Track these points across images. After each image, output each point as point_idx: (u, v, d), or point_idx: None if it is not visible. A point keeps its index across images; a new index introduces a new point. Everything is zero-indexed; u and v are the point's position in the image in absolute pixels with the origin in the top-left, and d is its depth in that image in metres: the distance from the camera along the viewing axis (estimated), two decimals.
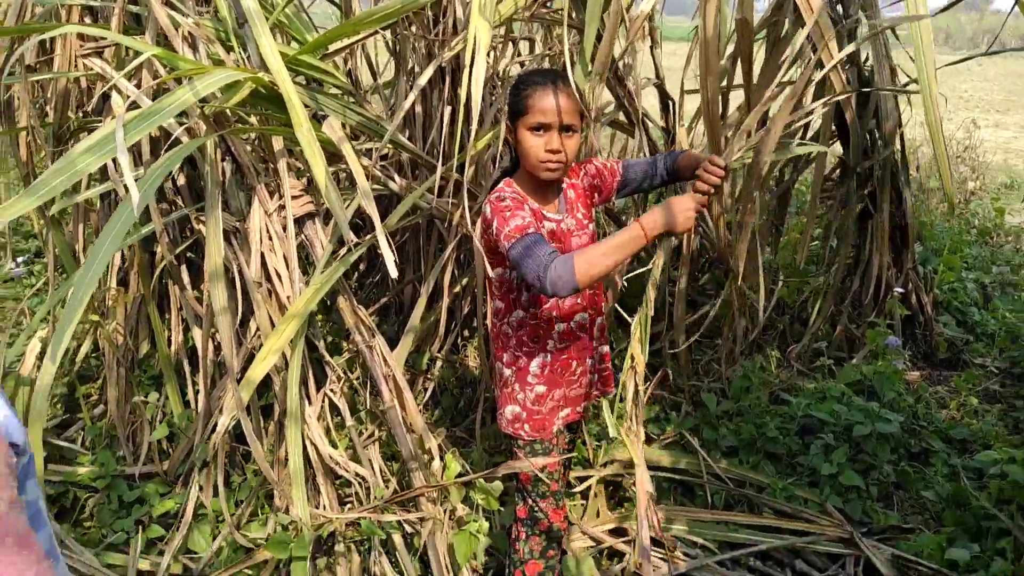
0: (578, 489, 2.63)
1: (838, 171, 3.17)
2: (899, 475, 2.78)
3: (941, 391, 3.47)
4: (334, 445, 2.27)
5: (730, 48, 2.79)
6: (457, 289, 3.11)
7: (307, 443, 2.19)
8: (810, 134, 3.02)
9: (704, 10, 1.58)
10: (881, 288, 3.25)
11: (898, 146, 3.18)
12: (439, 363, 3.10)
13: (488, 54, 2.84)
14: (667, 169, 1.95)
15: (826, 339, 3.48)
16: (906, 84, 3.15)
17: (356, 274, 3.76)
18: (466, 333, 3.29)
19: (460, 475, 2.10)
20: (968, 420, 3.19)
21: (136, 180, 1.87)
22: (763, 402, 2.99)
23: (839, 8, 2.66)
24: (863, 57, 2.92)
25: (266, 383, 2.40)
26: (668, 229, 1.63)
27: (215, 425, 2.35)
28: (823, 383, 3.16)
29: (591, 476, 2.65)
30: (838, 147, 3.13)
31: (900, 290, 3.26)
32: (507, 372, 1.96)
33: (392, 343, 2.97)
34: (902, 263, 3.35)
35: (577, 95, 1.75)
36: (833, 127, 2.83)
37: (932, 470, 2.83)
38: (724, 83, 3.20)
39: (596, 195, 1.99)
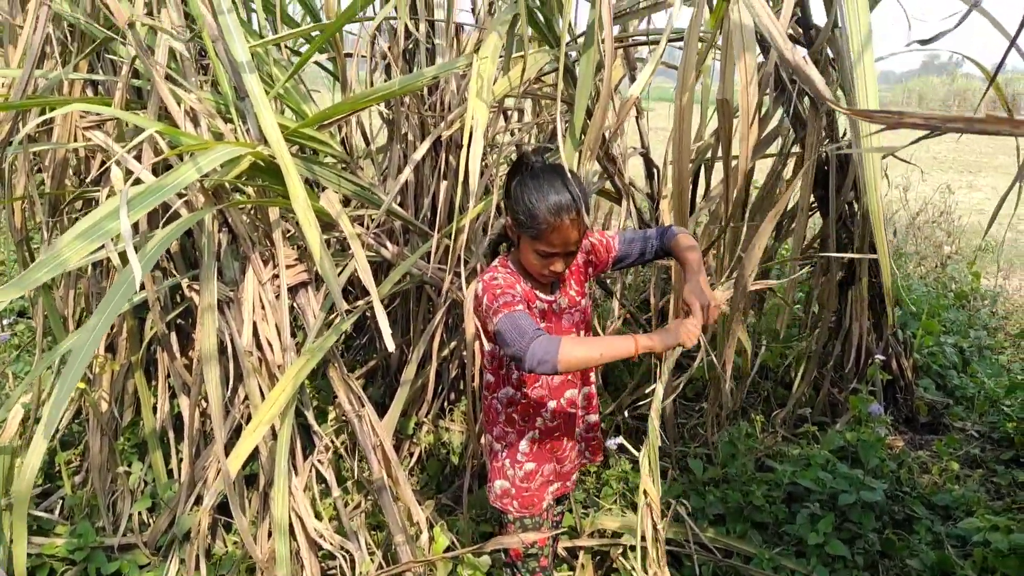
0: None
1: (818, 240, 3.26)
2: (884, 544, 2.79)
3: (923, 456, 3.50)
4: (319, 516, 2.25)
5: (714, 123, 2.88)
6: (445, 353, 3.13)
7: (292, 515, 2.17)
8: (790, 205, 3.12)
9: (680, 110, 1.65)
10: (862, 353, 3.31)
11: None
12: (425, 428, 3.10)
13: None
14: (662, 247, 1.93)
15: (810, 403, 3.51)
16: (883, 156, 3.27)
17: (343, 336, 3.77)
18: (453, 397, 3.29)
19: (448, 549, 2.09)
20: (950, 486, 3.22)
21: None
22: (749, 469, 3.00)
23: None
24: (841, 131, 3.04)
25: (251, 451, 2.39)
26: (664, 348, 1.63)
27: (198, 496, 2.32)
28: (808, 449, 3.18)
29: (579, 546, 2.63)
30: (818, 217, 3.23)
31: (881, 357, 3.32)
32: (497, 447, 1.97)
33: (378, 406, 2.96)
34: (882, 329, 3.41)
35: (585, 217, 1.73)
36: (812, 199, 2.92)
37: (916, 538, 2.84)
38: (708, 155, 3.31)
39: (591, 269, 1.99)
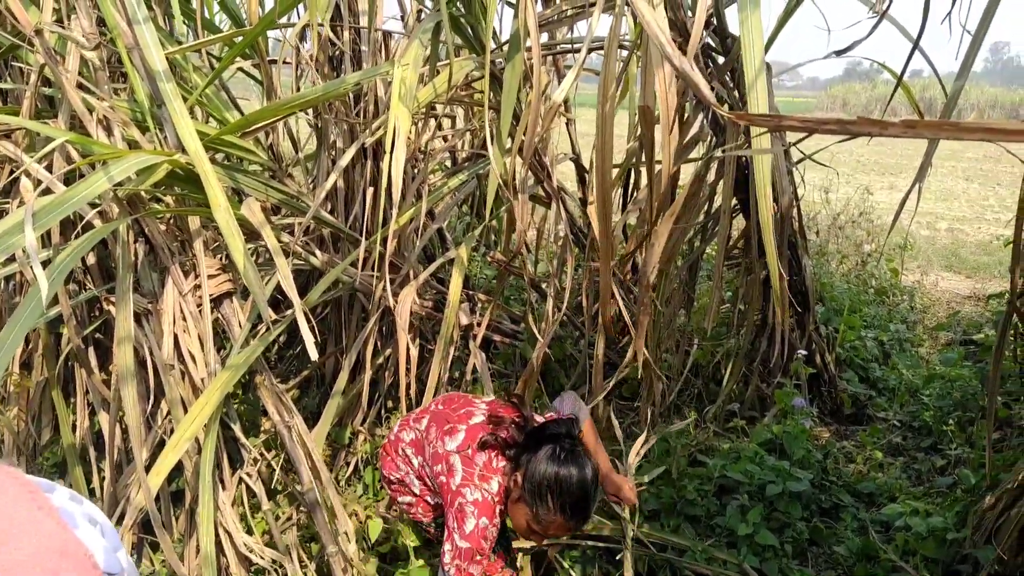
0: None
1: (742, 240, 3.37)
2: (812, 532, 2.89)
3: (848, 446, 3.64)
4: (250, 531, 2.21)
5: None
6: (380, 361, 3.10)
7: (221, 530, 2.12)
8: (714, 207, 3.21)
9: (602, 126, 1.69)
10: (786, 349, 3.43)
11: (796, 216, 3.40)
12: (362, 437, 3.07)
13: (409, 132, 2.92)
14: None
15: (739, 399, 3.62)
16: (799, 160, 3.40)
17: (276, 346, 3.70)
18: (389, 405, 3.27)
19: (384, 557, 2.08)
20: (874, 474, 3.36)
21: (44, 264, 1.83)
22: (682, 465, 3.07)
23: (735, 93, 2.88)
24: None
25: (177, 466, 2.33)
26: None
27: (122, 514, 2.25)
28: (738, 443, 3.28)
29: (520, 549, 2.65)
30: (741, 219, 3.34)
31: (803, 352, 3.44)
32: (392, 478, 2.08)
33: (314, 415, 2.92)
34: (804, 325, 3.54)
35: None
36: (734, 202, 3.01)
37: (843, 524, 2.95)
38: (634, 159, 3.39)
39: None
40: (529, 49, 2.18)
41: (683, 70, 1.20)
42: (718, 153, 2.33)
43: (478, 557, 1.75)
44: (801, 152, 3.25)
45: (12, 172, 2.27)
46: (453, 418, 1.95)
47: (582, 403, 2.21)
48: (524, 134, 2.29)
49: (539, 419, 2.00)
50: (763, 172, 1.49)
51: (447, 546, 1.77)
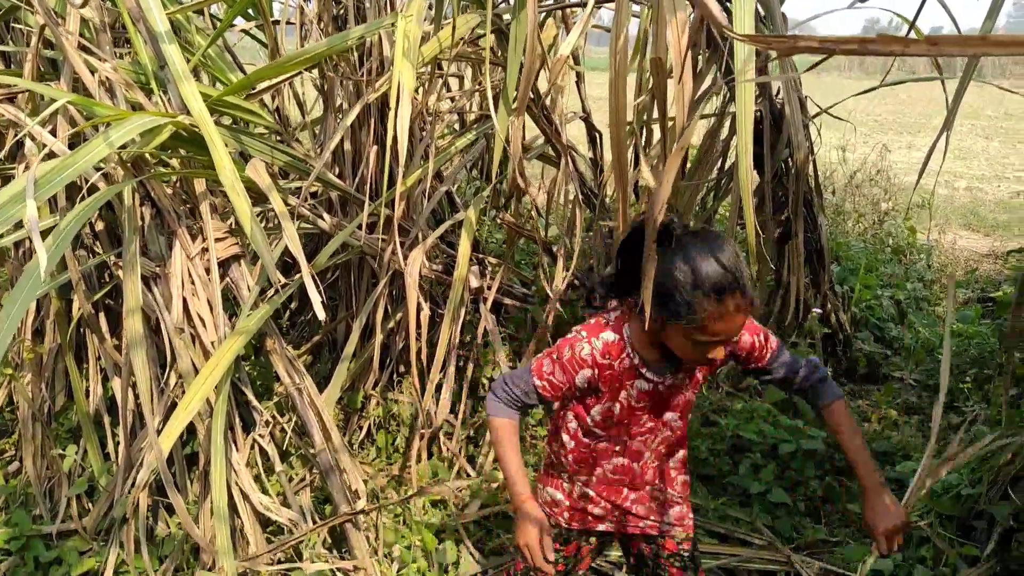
0: None
1: (755, 199, 3.31)
2: (826, 490, 2.88)
3: (863, 405, 3.61)
4: (265, 492, 2.22)
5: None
6: (391, 325, 3.10)
7: (236, 491, 2.14)
8: (728, 165, 3.15)
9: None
10: (801, 308, 3.39)
11: (812, 173, 3.34)
12: (374, 401, 3.08)
13: (416, 90, 2.87)
14: (814, 405, 1.74)
15: None
16: (816, 114, 3.32)
17: (288, 312, 3.71)
18: (401, 369, 3.27)
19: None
20: (888, 432, 3.34)
21: (51, 229, 1.82)
22: (695, 425, 3.07)
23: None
24: (774, 90, 3.07)
25: (192, 429, 2.34)
26: (516, 529, 1.62)
27: (137, 478, 2.27)
28: (751, 402, 3.26)
29: None
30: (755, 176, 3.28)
31: (818, 310, 3.40)
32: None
33: (326, 380, 2.93)
34: (820, 284, 3.50)
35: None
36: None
37: (856, 483, 2.94)
38: (645, 116, 3.32)
39: (731, 360, 1.72)
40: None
41: None
42: (725, 89, 2.27)
43: (563, 356, 1.55)
44: (818, 106, 3.17)
45: (16, 136, 2.25)
46: None
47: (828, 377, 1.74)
48: (517, 88, 2.23)
49: None
50: (745, 101, 1.42)
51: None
